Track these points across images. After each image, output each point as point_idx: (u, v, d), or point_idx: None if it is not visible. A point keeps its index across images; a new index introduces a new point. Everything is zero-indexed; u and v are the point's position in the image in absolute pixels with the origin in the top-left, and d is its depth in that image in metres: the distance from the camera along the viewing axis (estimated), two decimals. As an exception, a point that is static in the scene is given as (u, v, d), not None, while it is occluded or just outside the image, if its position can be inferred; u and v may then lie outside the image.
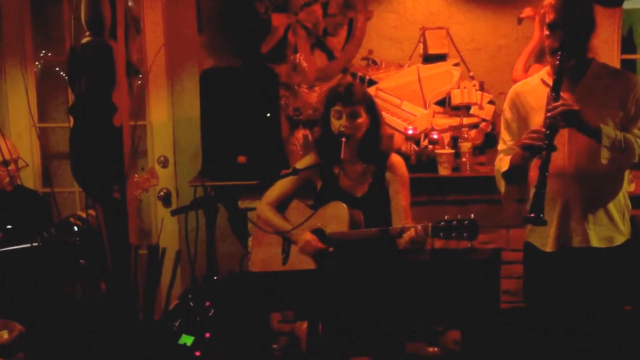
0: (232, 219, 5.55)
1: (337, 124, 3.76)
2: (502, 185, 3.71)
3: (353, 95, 3.77)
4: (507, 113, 3.75)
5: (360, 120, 3.77)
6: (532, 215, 3.34)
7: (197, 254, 3.71)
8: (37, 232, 4.36)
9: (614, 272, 3.56)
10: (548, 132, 3.32)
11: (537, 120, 3.49)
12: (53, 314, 4.12)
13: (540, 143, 3.33)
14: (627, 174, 3.63)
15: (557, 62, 3.43)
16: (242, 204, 5.11)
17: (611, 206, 3.54)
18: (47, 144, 5.82)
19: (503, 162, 3.66)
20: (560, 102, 3.36)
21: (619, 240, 3.57)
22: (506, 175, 3.64)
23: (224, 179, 5.02)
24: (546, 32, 3.52)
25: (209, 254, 3.62)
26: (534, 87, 3.67)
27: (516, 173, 3.60)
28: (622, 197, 3.59)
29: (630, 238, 3.62)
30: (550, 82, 3.48)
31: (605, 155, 3.37)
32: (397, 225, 3.70)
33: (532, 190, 3.43)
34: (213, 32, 5.48)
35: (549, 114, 3.35)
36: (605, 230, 3.54)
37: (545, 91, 3.49)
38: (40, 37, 5.64)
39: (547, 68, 3.63)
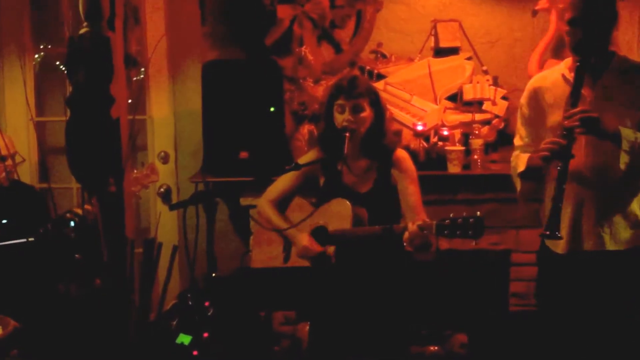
0: (234, 216, 5.60)
1: (340, 118, 3.78)
2: (518, 184, 3.71)
3: (356, 88, 3.78)
4: (525, 108, 3.74)
5: (364, 114, 3.79)
6: (547, 232, 3.36)
7: (196, 251, 3.76)
8: (33, 227, 4.37)
9: (633, 272, 3.53)
10: (566, 142, 3.34)
11: (555, 117, 3.50)
12: (48, 310, 4.17)
13: (557, 155, 3.35)
14: None
15: (577, 65, 3.42)
16: (244, 201, 5.19)
17: (632, 207, 3.51)
18: (45, 138, 5.91)
19: (520, 161, 3.65)
20: (578, 108, 3.34)
21: (639, 240, 3.53)
22: (522, 175, 3.64)
23: (225, 175, 5.08)
24: (566, 28, 3.50)
25: (208, 252, 3.66)
26: (553, 82, 3.65)
27: (533, 174, 3.61)
28: None
29: None
30: (571, 78, 3.46)
31: (624, 160, 3.35)
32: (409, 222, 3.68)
33: (548, 202, 3.45)
34: (216, 23, 5.52)
35: (566, 122, 3.34)
36: (623, 233, 3.50)
37: (565, 87, 3.49)
38: (39, 30, 5.72)
39: (568, 61, 3.60)
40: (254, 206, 4.83)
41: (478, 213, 3.44)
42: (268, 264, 4.06)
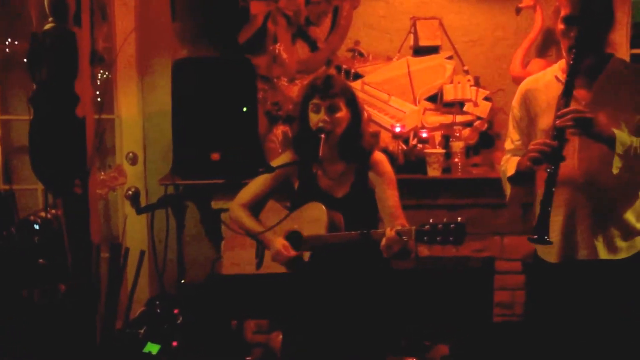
0: (205, 220, 5.61)
1: (316, 118, 3.76)
2: (507, 188, 3.71)
3: (332, 87, 3.77)
4: (516, 111, 3.73)
5: (340, 114, 3.77)
6: (535, 236, 3.35)
7: (166, 256, 3.76)
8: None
9: (629, 282, 3.55)
10: (556, 143, 3.33)
11: (548, 120, 3.49)
12: (10, 317, 4.15)
13: (547, 157, 3.34)
14: None
15: (570, 63, 3.41)
16: (216, 205, 5.19)
17: (627, 215, 3.51)
18: (9, 137, 5.87)
19: (510, 164, 3.65)
20: (571, 108, 3.35)
21: (634, 248, 3.54)
22: (512, 179, 3.64)
23: (196, 177, 5.08)
24: (561, 27, 3.48)
25: (178, 257, 3.65)
26: (546, 84, 3.65)
27: (523, 178, 3.61)
28: (639, 206, 3.55)
29: None
30: (564, 80, 3.44)
31: (617, 164, 3.33)
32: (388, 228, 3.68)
33: (537, 207, 3.45)
34: (187, 19, 5.52)
35: (558, 122, 3.33)
36: (618, 242, 3.51)
37: (558, 89, 3.47)
38: (3, 25, 5.66)
39: (562, 63, 3.59)
40: (225, 210, 4.82)
41: (459, 218, 3.43)
42: (240, 270, 4.05)
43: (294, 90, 5.38)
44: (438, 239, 3.46)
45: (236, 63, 5.21)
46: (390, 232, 3.54)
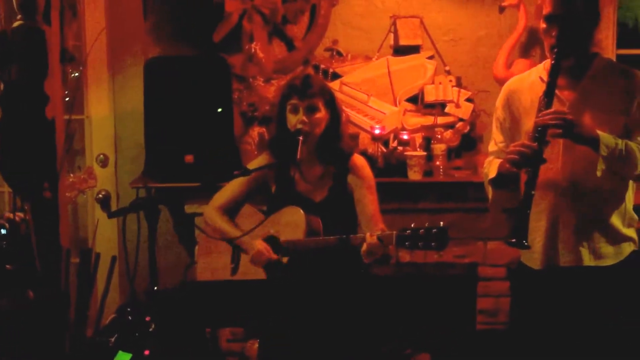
0: (178, 224, 5.59)
1: (294, 119, 3.77)
2: (489, 191, 3.71)
3: (310, 88, 3.78)
4: (500, 112, 3.76)
5: (318, 115, 3.78)
6: (513, 240, 3.36)
7: (137, 262, 3.74)
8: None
9: (614, 292, 3.56)
10: (536, 145, 3.34)
11: (531, 122, 3.46)
12: None
13: (527, 159, 3.36)
14: (632, 185, 3.61)
15: (552, 63, 3.43)
16: (189, 209, 5.17)
17: (613, 219, 3.53)
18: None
19: (492, 167, 3.65)
20: (552, 109, 3.37)
21: (622, 255, 3.57)
22: (494, 182, 3.64)
23: (169, 180, 5.06)
24: (543, 26, 3.50)
25: (150, 263, 3.64)
26: (530, 85, 3.66)
27: (505, 181, 3.60)
28: (624, 210, 3.57)
29: (636, 250, 3.62)
30: None
31: (601, 167, 3.34)
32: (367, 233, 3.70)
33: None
34: (160, 17, 5.48)
35: (538, 121, 3.35)
36: (604, 248, 3.53)
37: (542, 90, 3.46)
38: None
39: (546, 63, 3.58)
40: (199, 214, 4.82)
41: (441, 223, 3.45)
42: (214, 276, 4.05)
43: (271, 91, 5.37)
44: (420, 244, 3.47)
45: (211, 62, 5.18)
46: (371, 238, 3.56)
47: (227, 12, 5.36)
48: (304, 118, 3.77)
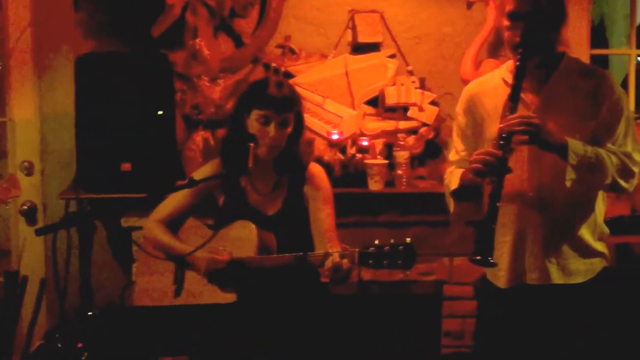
0: (113, 240, 5.49)
1: (261, 131, 3.72)
2: (451, 204, 3.70)
3: (289, 101, 3.76)
4: (461, 118, 3.75)
5: (289, 129, 3.77)
6: (477, 257, 3.33)
7: (67, 282, 3.65)
8: None
9: (585, 311, 3.56)
10: (501, 153, 3.32)
11: (495, 128, 3.44)
12: None
13: (491, 168, 3.33)
14: (602, 195, 3.61)
15: (517, 64, 3.42)
16: (126, 222, 5.06)
17: (583, 233, 3.54)
18: None
19: (454, 177, 3.64)
20: (517, 114, 3.35)
21: (592, 272, 3.57)
22: (455, 194, 3.63)
23: (103, 190, 4.95)
24: (506, 23, 3.49)
25: (82, 284, 3.57)
26: (493, 88, 3.66)
27: (467, 192, 3.60)
28: (595, 223, 3.58)
29: (607, 267, 3.61)
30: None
31: (570, 176, 3.35)
32: (320, 250, 3.69)
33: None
34: (92, 8, 5.43)
35: (503, 127, 3.34)
36: (573, 263, 3.53)
37: (506, 93, 3.45)
38: None
39: (510, 63, 3.61)
40: (138, 228, 4.77)
41: (408, 240, 3.44)
42: (155, 298, 3.95)
43: (216, 91, 5.34)
44: (385, 262, 3.46)
45: (149, 59, 5.15)
46: (336, 256, 3.52)
47: (168, 3, 5.32)
48: (275, 134, 3.73)
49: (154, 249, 3.93)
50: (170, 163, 5.01)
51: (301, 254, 3.62)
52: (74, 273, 3.49)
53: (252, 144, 3.67)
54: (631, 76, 6.06)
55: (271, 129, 3.71)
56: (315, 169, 3.91)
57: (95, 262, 5.25)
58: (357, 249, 3.50)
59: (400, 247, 3.42)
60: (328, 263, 3.53)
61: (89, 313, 3.60)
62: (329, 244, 3.74)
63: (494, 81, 3.69)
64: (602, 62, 5.91)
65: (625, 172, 3.44)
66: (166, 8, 5.32)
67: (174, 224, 3.97)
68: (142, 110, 4.98)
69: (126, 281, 5.19)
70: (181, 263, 3.88)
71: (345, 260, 3.50)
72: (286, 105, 3.75)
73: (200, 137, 5.30)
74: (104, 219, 5.39)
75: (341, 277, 3.56)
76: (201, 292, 3.81)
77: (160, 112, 4.99)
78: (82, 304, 3.56)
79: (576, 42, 5.44)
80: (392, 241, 3.45)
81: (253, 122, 3.75)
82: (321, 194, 3.87)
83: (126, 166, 4.93)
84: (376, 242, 3.47)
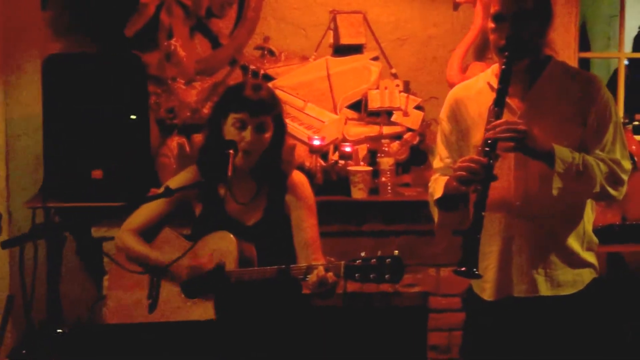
0: (83, 251, 5.47)
1: (237, 136, 3.67)
2: (435, 213, 3.67)
3: (265, 104, 3.71)
4: (445, 124, 3.72)
5: (267, 134, 3.72)
6: (462, 269, 3.29)
7: (34, 297, 3.55)
8: None
9: (575, 324, 3.53)
10: (486, 160, 3.28)
11: (480, 134, 3.43)
12: None
13: (477, 175, 3.30)
14: (591, 203, 3.60)
15: (502, 67, 3.40)
16: (97, 232, 5.04)
17: (571, 242, 3.51)
18: None
19: (438, 185, 3.61)
20: (503, 120, 3.32)
21: (581, 283, 3.54)
22: (440, 203, 3.60)
23: (73, 199, 4.93)
24: (491, 25, 3.47)
25: (50, 298, 3.47)
26: (478, 92, 3.64)
27: (452, 201, 3.57)
28: (583, 232, 3.55)
29: (597, 277, 3.59)
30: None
31: (557, 184, 3.32)
32: (303, 262, 3.66)
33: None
34: (61, 7, 5.42)
35: (489, 133, 3.31)
36: (562, 275, 3.50)
37: (491, 98, 3.42)
38: None
39: (495, 67, 3.58)
40: (109, 238, 4.78)
41: (396, 252, 3.39)
42: (128, 315, 3.88)
43: (192, 94, 5.32)
44: (372, 276, 3.42)
45: (122, 60, 5.11)
46: (321, 270, 3.48)
47: (141, 2, 5.29)
48: (252, 138, 3.68)
49: (127, 261, 3.85)
50: (143, 170, 4.98)
51: (284, 267, 3.57)
52: (41, 287, 3.39)
53: (231, 151, 3.61)
54: (620, 80, 6.07)
55: (247, 133, 3.67)
56: (298, 177, 3.87)
57: (64, 276, 5.28)
58: (342, 262, 3.46)
59: (388, 260, 3.37)
60: (313, 277, 3.49)
61: (58, 330, 3.47)
62: (313, 256, 3.72)
63: (478, 86, 3.69)
64: (583, 64, 5.89)
65: (615, 179, 3.43)
66: (139, 7, 5.30)
67: (148, 234, 3.90)
68: (114, 114, 4.95)
69: (97, 295, 5.19)
70: (158, 273, 3.81)
71: (330, 274, 3.46)
72: (263, 108, 3.70)
73: (175, 142, 5.27)
74: (73, 230, 5.36)
75: (326, 291, 3.52)
76: (178, 307, 3.75)
77: (133, 117, 4.97)
78: (50, 320, 3.45)
79: (564, 45, 5.48)
80: (379, 253, 3.40)
81: (229, 127, 3.71)
82: (304, 203, 3.83)
83: (97, 173, 4.90)
84: (362, 254, 3.43)
